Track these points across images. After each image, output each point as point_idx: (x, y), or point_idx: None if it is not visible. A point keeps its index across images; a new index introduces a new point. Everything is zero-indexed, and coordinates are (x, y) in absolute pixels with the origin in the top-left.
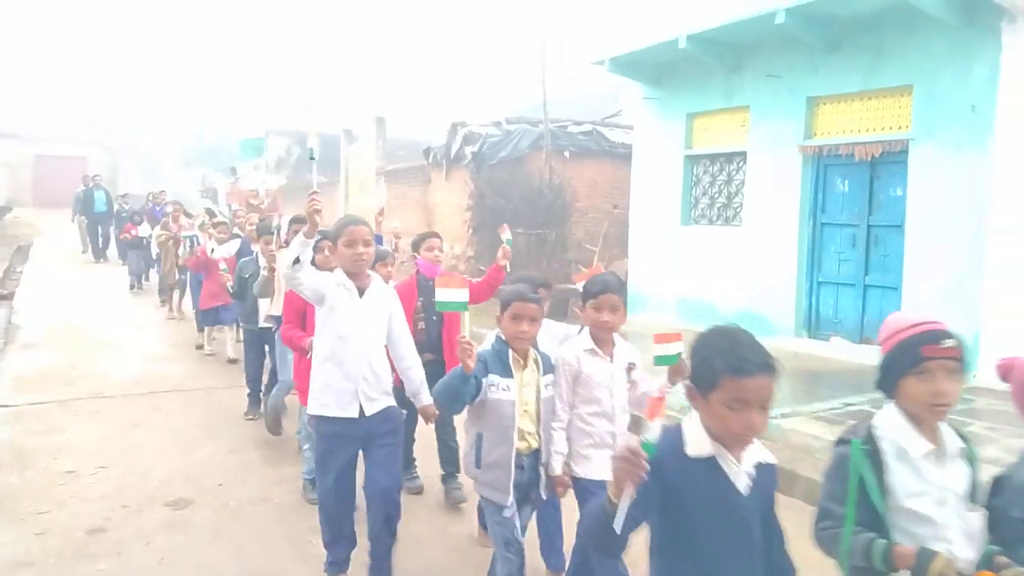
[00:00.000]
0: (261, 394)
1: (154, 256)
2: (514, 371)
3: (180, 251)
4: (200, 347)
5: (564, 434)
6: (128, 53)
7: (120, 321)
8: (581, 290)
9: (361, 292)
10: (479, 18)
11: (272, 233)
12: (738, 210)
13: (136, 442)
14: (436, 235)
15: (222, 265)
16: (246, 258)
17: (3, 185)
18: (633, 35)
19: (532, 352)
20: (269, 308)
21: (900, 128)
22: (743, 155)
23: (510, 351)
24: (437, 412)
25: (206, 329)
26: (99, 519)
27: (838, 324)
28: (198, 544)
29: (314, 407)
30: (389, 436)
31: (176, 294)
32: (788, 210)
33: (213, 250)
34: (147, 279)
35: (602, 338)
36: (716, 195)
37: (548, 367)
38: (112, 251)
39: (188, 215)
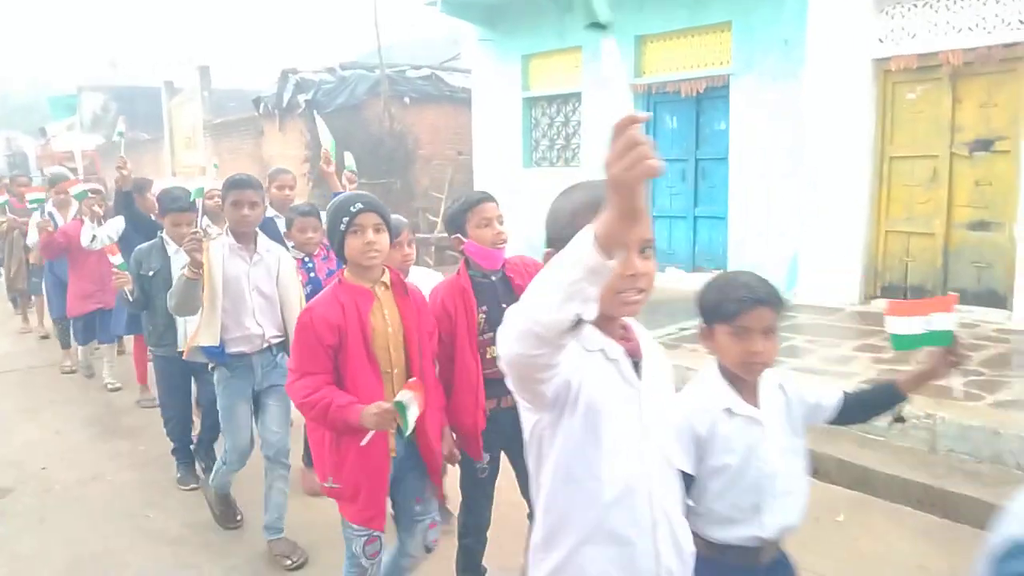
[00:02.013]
0: (192, 448)
1: None
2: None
3: (31, 236)
4: (71, 370)
5: None
6: None
7: None
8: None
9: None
10: None
11: (187, 210)
12: (576, 151)
13: None
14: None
15: (115, 260)
16: (142, 246)
17: None
18: None
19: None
20: (196, 331)
21: (721, 64)
22: (578, 96)
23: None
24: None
25: (76, 347)
26: None
27: (672, 255)
28: (18, 533)
29: None
30: None
31: (33, 300)
32: None
33: (94, 237)
34: None
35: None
36: (555, 137)
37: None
38: None
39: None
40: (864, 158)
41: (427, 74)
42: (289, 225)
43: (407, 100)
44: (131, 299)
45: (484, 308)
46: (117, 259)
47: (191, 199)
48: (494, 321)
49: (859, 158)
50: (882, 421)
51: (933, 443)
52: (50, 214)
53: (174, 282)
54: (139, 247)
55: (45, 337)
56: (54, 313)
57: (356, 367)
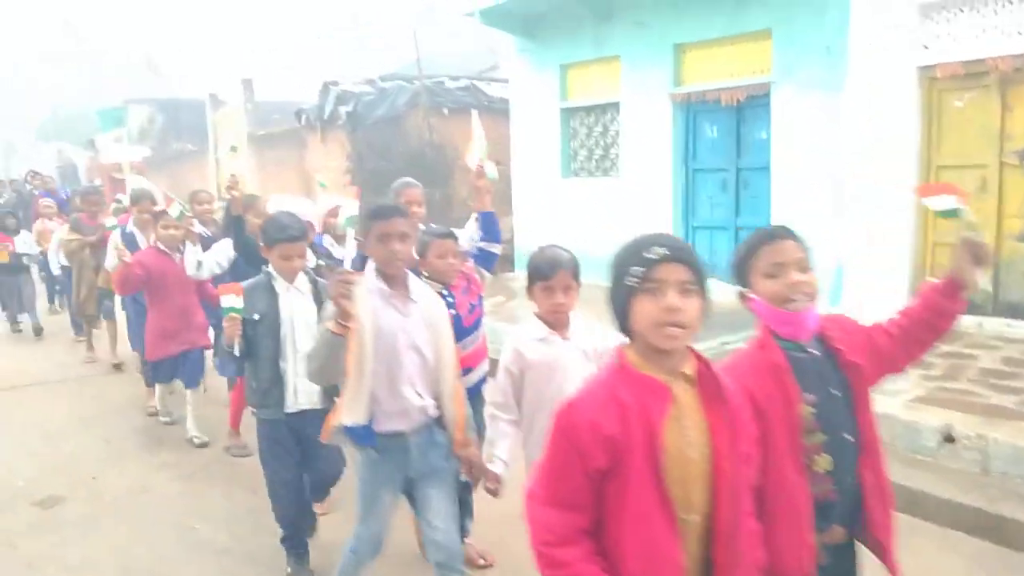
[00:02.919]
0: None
1: (56, 273)
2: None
3: (109, 260)
4: (155, 413)
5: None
6: (29, 37)
7: None
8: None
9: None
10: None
11: (300, 239)
12: (615, 160)
13: None
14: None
15: (233, 303)
16: (246, 283)
17: None
18: None
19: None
20: (339, 405)
21: (762, 72)
22: (616, 105)
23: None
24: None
25: (159, 387)
26: None
27: (714, 267)
28: (70, 542)
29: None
30: None
31: (104, 328)
32: (662, 158)
33: (200, 264)
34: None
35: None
36: (593, 147)
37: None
38: None
39: (119, 203)
40: (910, 168)
41: (465, 85)
42: (422, 250)
43: (446, 111)
44: (237, 352)
45: (811, 397)
46: (235, 302)
47: (344, 226)
48: (827, 417)
49: (905, 168)
50: (931, 441)
51: (986, 465)
52: (130, 234)
53: (281, 327)
54: (247, 284)
55: (118, 366)
56: (135, 343)
57: (637, 508)
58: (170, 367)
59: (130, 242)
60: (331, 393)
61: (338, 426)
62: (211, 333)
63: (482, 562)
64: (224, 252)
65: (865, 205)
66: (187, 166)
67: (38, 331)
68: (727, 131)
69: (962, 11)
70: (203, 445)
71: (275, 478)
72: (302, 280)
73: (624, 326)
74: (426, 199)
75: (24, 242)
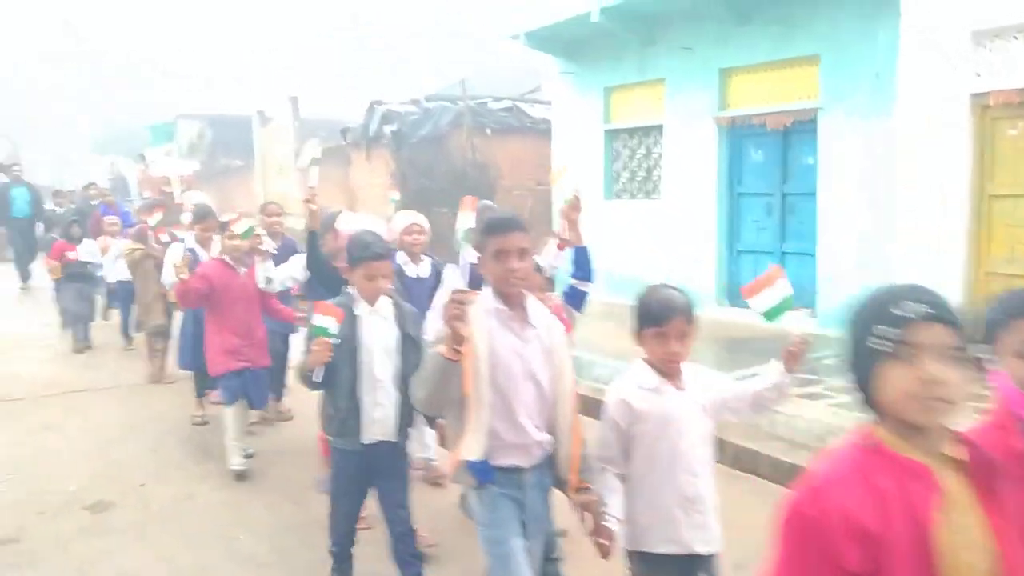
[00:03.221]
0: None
1: (111, 283)
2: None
3: (166, 276)
4: (202, 422)
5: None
6: (29, 37)
7: (31, 322)
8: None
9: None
10: (469, 30)
11: (385, 257)
12: (658, 183)
13: (50, 445)
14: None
15: (325, 323)
16: (338, 299)
17: None
18: (547, 9)
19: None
20: (461, 439)
21: (809, 97)
22: (660, 128)
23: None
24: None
25: (234, 407)
26: (12, 528)
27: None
28: (120, 548)
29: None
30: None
31: (159, 344)
32: (706, 181)
33: (270, 279)
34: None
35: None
36: (636, 169)
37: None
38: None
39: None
40: (961, 196)
41: (508, 106)
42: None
43: (489, 131)
44: (318, 379)
45: None
46: (329, 324)
47: (461, 241)
48: None
49: (956, 196)
50: None
51: None
52: (191, 251)
53: (360, 353)
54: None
55: (172, 383)
56: (182, 360)
57: None
58: (238, 384)
59: (192, 259)
60: (404, 424)
61: (461, 463)
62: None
63: None
64: (297, 267)
65: (914, 234)
66: (233, 181)
67: (85, 342)
68: (773, 156)
69: (1016, 38)
70: (249, 457)
71: (339, 507)
72: (384, 303)
73: (867, 395)
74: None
75: (88, 251)
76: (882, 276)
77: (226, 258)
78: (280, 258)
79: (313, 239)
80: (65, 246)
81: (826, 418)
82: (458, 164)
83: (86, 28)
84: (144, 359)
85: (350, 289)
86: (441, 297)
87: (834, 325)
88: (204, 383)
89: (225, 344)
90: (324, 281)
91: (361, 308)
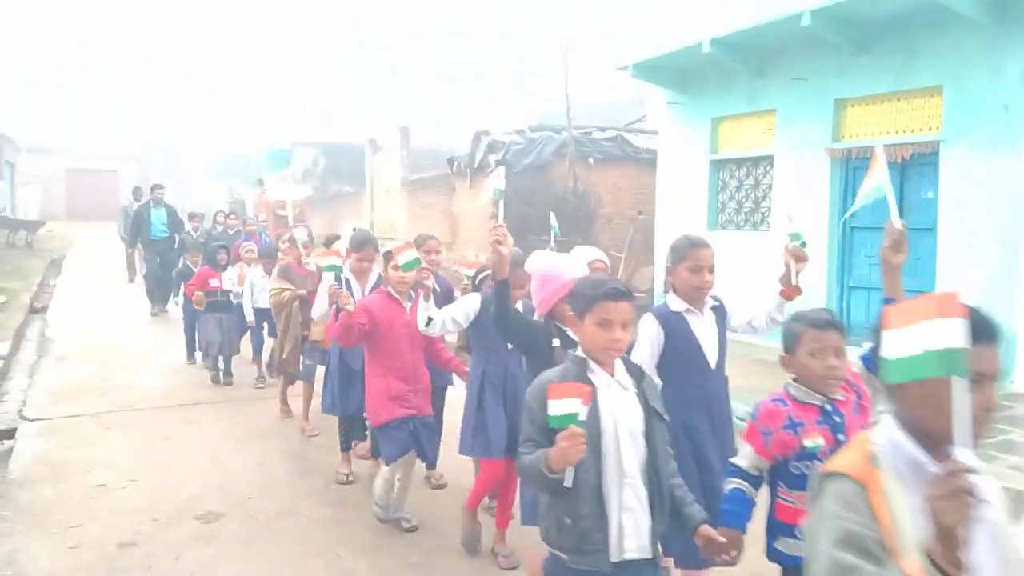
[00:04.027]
0: None
1: (248, 319)
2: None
3: (317, 308)
4: (348, 481)
5: None
6: (156, 65)
7: (152, 335)
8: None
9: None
10: (501, 25)
11: (626, 297)
12: (765, 215)
13: (167, 455)
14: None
15: (570, 412)
16: (557, 370)
17: (36, 199)
18: (656, 40)
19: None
20: None
21: (930, 129)
22: (770, 159)
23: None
24: None
25: (390, 467)
26: (130, 533)
27: (870, 329)
28: (227, 558)
29: None
30: None
31: (300, 388)
32: (817, 214)
33: (430, 320)
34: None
35: None
36: (743, 200)
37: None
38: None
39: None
40: None
41: (612, 135)
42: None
43: (591, 160)
44: (568, 485)
45: None
46: (577, 408)
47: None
48: None
49: None
50: None
51: None
52: (346, 280)
53: (602, 438)
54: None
55: (315, 436)
56: (327, 404)
57: None
58: (405, 437)
59: (345, 288)
60: (657, 532)
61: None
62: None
63: None
64: (464, 308)
65: None
66: (344, 207)
67: (227, 377)
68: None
69: None
70: (412, 529)
71: None
72: (621, 369)
73: None
74: (567, 246)
75: (231, 280)
76: (1006, 318)
77: (391, 291)
78: (436, 298)
79: (504, 289)
80: (210, 273)
81: None
82: (559, 192)
83: (86, 29)
84: (278, 402)
85: (579, 352)
86: None
87: None
88: (351, 432)
89: (391, 389)
90: (513, 337)
91: (600, 378)
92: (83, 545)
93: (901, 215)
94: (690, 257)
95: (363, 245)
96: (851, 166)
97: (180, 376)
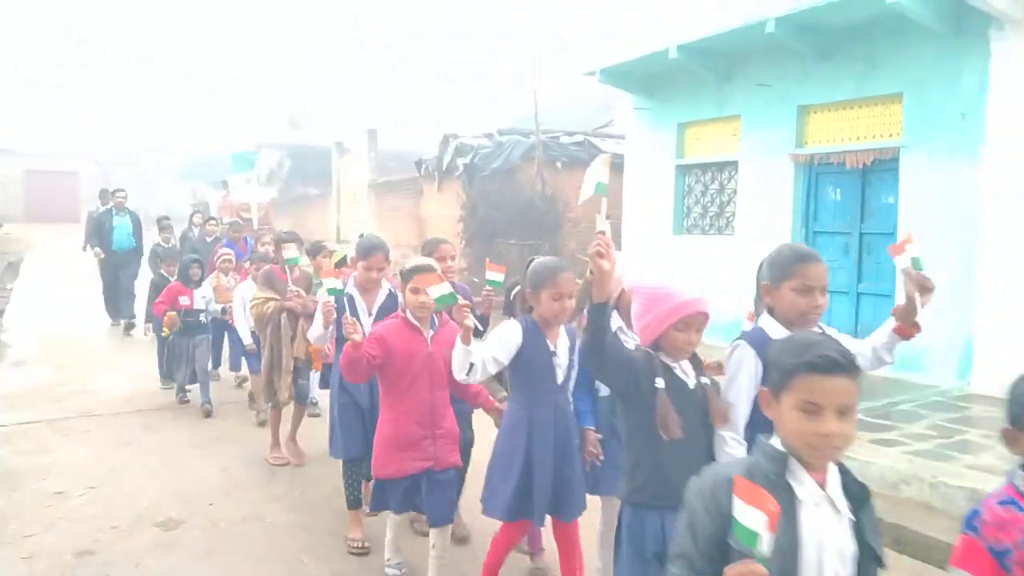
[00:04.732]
0: None
1: (246, 342)
2: None
3: (314, 331)
4: (360, 550)
5: None
6: (119, 66)
7: (112, 339)
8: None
9: None
10: (469, 30)
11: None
12: (730, 219)
13: (126, 462)
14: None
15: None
16: (740, 467)
17: None
18: (624, 46)
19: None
20: None
21: (891, 136)
22: (735, 164)
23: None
24: None
25: (395, 520)
26: (88, 541)
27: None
28: (188, 565)
29: None
30: None
31: (289, 414)
32: (780, 219)
33: (471, 366)
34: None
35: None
36: (708, 204)
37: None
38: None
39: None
40: None
41: (580, 140)
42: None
43: (559, 164)
44: None
45: None
46: (756, 522)
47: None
48: None
49: None
50: None
51: None
52: (349, 296)
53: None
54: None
55: (300, 465)
56: (336, 448)
57: None
58: (406, 491)
59: (349, 307)
60: None
61: None
62: None
63: None
64: (504, 345)
65: (1000, 277)
66: (311, 209)
67: (207, 413)
68: (851, 194)
69: None
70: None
71: None
72: (836, 480)
73: None
74: (534, 249)
75: (204, 296)
76: (960, 320)
77: (410, 316)
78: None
79: (601, 317)
80: (180, 290)
81: (901, 465)
82: (526, 196)
83: (86, 29)
84: (271, 436)
85: (774, 441)
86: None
87: (910, 370)
88: (357, 476)
89: (401, 436)
90: (609, 376)
91: (805, 488)
92: (38, 555)
93: (862, 220)
94: (799, 275)
95: (372, 252)
96: (814, 171)
97: (141, 381)
